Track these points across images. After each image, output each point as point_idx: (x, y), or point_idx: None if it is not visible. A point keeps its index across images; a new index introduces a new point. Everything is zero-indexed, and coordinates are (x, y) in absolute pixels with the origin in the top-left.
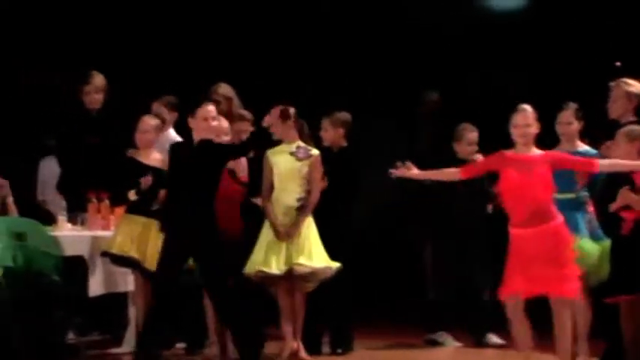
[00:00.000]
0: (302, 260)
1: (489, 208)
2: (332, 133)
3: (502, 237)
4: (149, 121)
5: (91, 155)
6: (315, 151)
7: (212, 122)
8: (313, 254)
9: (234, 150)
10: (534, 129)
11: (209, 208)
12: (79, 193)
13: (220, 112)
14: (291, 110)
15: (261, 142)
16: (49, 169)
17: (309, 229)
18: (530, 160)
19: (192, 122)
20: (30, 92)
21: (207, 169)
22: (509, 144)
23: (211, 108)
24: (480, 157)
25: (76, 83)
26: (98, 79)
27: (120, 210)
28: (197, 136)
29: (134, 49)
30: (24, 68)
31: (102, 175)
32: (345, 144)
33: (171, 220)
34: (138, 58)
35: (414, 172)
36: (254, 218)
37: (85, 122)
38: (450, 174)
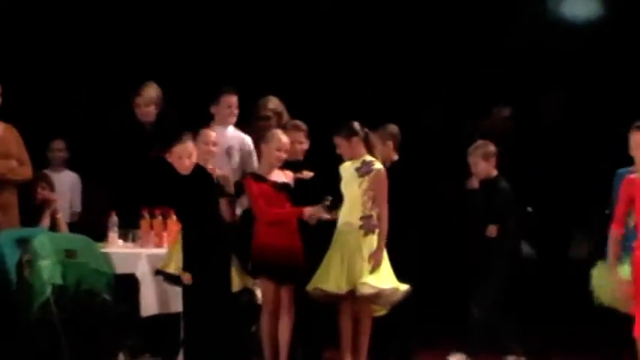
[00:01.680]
0: (367, 279)
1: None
2: (381, 148)
3: None
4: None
5: (145, 170)
6: (377, 166)
7: (186, 160)
8: (380, 274)
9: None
10: None
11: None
12: (131, 209)
13: (270, 127)
14: (355, 127)
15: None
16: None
17: None
18: None
19: (169, 158)
20: (30, 94)
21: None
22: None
23: (189, 145)
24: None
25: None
26: (149, 91)
27: (174, 227)
28: (179, 171)
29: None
30: (24, 68)
31: (156, 190)
32: (396, 157)
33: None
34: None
35: None
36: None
37: (138, 136)
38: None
